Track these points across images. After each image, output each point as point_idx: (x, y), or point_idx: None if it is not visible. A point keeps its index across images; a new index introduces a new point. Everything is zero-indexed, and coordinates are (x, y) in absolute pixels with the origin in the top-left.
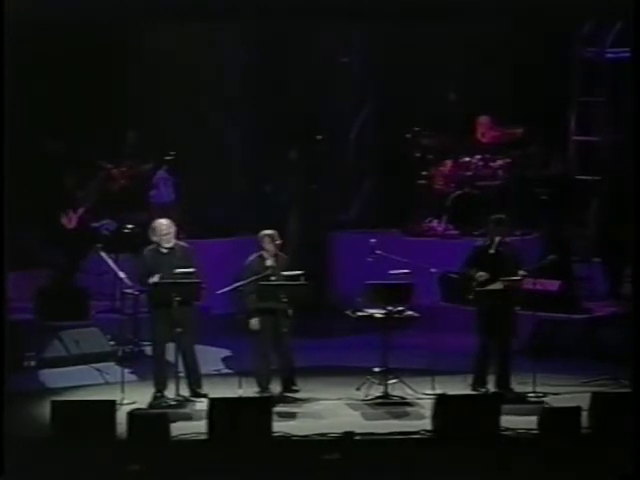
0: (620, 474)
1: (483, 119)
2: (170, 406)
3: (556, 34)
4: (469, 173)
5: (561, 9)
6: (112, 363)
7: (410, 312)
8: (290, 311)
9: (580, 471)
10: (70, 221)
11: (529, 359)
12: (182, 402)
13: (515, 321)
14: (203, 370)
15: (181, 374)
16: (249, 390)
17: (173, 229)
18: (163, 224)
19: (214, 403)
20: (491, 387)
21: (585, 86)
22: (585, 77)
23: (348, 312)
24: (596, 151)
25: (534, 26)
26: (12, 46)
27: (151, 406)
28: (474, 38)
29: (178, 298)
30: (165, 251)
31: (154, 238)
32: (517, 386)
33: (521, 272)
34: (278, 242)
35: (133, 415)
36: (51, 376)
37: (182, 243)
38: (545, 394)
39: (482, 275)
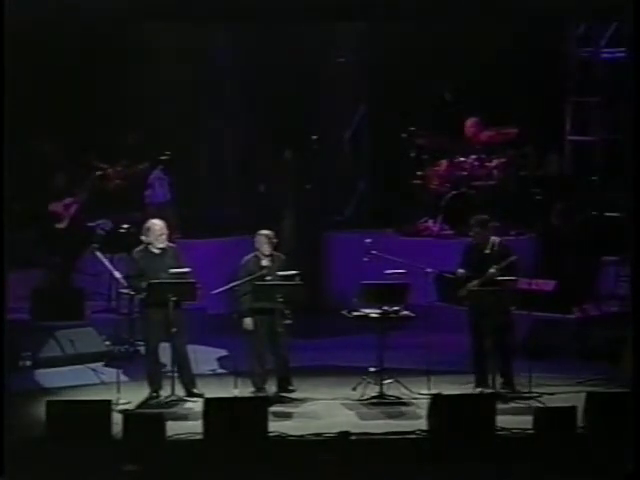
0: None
1: (470, 121)
2: (165, 406)
3: (552, 34)
4: (464, 173)
5: (557, 9)
6: (108, 363)
7: (406, 312)
8: (286, 311)
9: (575, 471)
10: (62, 220)
11: (524, 359)
12: (177, 402)
13: (509, 320)
14: (199, 370)
15: (176, 374)
16: (245, 390)
17: (166, 230)
18: (158, 224)
19: (210, 403)
20: (491, 387)
21: (580, 86)
22: (580, 77)
23: (344, 312)
24: (591, 151)
25: (529, 26)
26: (8, 45)
27: (145, 406)
28: (470, 38)
29: (174, 298)
30: (157, 252)
31: (148, 238)
32: (512, 386)
33: (491, 270)
34: (274, 242)
35: (128, 415)
36: (47, 376)
37: (171, 244)
38: (541, 394)
39: (461, 272)
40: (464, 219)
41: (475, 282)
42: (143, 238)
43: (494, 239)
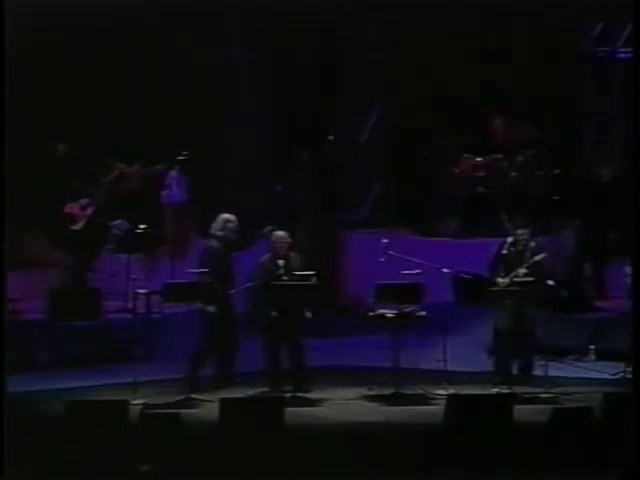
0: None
1: (497, 120)
2: (182, 406)
3: (569, 33)
4: (482, 173)
5: (573, 8)
6: (124, 363)
7: (422, 312)
8: (302, 311)
9: (590, 470)
10: (78, 222)
11: (542, 358)
12: (194, 402)
13: (534, 320)
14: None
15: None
16: (260, 390)
17: None
18: (233, 217)
19: (225, 403)
20: (508, 387)
21: (597, 86)
22: (597, 77)
23: (360, 312)
24: (608, 151)
25: (547, 25)
26: (24, 42)
27: (167, 406)
28: (487, 37)
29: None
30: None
31: (224, 232)
32: (529, 386)
33: (521, 270)
34: (289, 242)
35: (144, 415)
36: (63, 376)
37: None
38: (556, 394)
39: (501, 282)
40: (481, 219)
41: (505, 280)
42: (219, 233)
43: (510, 239)
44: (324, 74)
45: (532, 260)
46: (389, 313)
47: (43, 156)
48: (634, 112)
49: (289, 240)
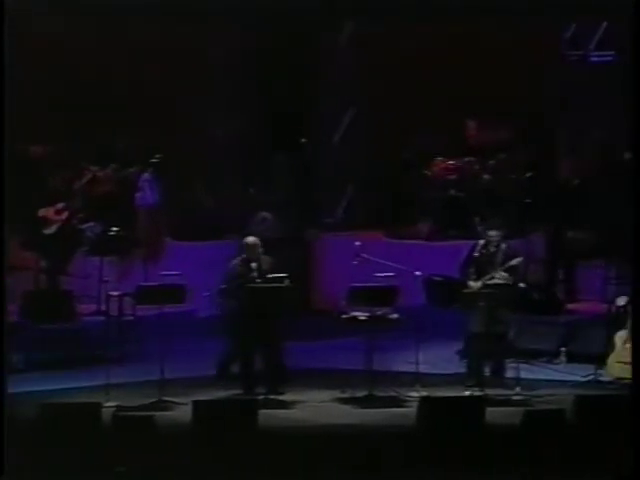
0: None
1: (470, 122)
2: (155, 408)
3: (544, 36)
4: (455, 176)
5: (552, 9)
6: (98, 365)
7: (394, 315)
8: (275, 313)
9: (562, 474)
10: (51, 226)
11: (513, 361)
12: (167, 404)
13: (507, 323)
14: (189, 373)
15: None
16: (235, 392)
17: None
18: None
19: (199, 405)
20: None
21: (571, 88)
22: (571, 79)
23: (333, 314)
24: (583, 153)
25: (521, 28)
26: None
27: (140, 408)
28: (461, 39)
29: None
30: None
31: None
32: (501, 388)
33: (497, 274)
34: (259, 244)
35: (117, 417)
36: (37, 379)
37: None
38: (529, 396)
39: (472, 286)
40: (454, 222)
41: (477, 283)
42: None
43: (482, 242)
44: (299, 75)
45: (508, 264)
46: (361, 316)
47: (16, 158)
48: (633, 113)
49: (259, 243)
